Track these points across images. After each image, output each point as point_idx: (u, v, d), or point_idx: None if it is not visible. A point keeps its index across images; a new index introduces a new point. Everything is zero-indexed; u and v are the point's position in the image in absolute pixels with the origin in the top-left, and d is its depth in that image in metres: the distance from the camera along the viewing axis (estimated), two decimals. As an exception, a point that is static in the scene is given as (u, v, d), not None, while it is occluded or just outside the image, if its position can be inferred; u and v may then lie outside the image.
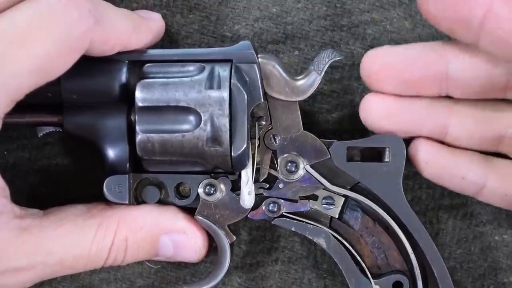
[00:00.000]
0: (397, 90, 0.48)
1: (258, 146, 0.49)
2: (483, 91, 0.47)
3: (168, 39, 0.54)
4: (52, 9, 0.43)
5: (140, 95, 0.46)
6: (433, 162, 0.49)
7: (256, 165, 0.49)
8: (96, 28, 0.44)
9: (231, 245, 0.50)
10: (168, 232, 0.48)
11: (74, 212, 0.48)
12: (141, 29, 0.48)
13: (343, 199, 0.50)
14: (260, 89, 0.48)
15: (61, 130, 0.49)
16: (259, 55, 0.48)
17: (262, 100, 0.48)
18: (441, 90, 0.48)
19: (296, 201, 0.50)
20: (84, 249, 0.46)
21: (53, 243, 0.46)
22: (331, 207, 0.50)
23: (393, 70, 0.47)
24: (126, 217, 0.48)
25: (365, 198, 0.49)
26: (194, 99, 0.46)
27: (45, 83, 0.44)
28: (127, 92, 0.47)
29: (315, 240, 0.50)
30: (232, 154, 0.46)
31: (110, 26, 0.45)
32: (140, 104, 0.46)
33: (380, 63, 0.47)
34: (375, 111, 0.48)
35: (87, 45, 0.44)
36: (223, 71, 0.47)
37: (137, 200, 0.50)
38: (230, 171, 0.48)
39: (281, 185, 0.50)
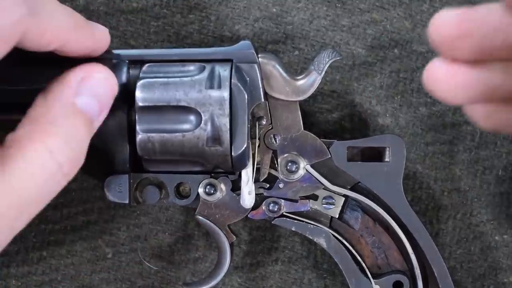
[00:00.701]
0: (472, 57, 0.42)
1: (259, 146, 0.49)
2: None
3: (168, 39, 0.54)
4: None
5: (141, 95, 0.46)
6: (492, 116, 0.43)
7: (256, 165, 0.49)
8: (30, 18, 0.41)
9: (231, 245, 0.50)
10: (75, 94, 0.43)
11: (16, 146, 0.42)
12: (83, 30, 0.46)
13: (343, 199, 0.50)
14: (261, 89, 0.48)
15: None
16: (259, 55, 0.48)
17: (263, 100, 0.48)
18: None
19: (296, 201, 0.50)
20: (37, 175, 0.41)
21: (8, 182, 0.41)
22: (331, 207, 0.50)
23: (473, 37, 0.41)
24: (36, 128, 0.42)
25: (365, 198, 0.49)
26: (194, 98, 0.46)
27: None
28: (128, 92, 0.47)
29: (315, 240, 0.50)
30: (233, 153, 0.46)
31: (47, 18, 0.43)
32: (140, 103, 0.46)
33: (458, 30, 0.41)
34: (446, 82, 0.42)
35: (19, 36, 0.41)
36: (223, 71, 0.47)
37: (137, 200, 0.50)
38: (230, 171, 0.48)
39: (281, 185, 0.50)
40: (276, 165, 0.49)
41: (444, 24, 0.41)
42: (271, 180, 0.50)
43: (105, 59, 0.48)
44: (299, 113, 0.49)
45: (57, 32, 0.44)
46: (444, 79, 0.42)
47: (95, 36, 0.47)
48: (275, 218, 0.50)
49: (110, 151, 0.48)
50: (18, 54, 0.42)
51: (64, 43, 0.45)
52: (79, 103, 0.42)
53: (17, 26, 0.41)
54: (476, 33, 0.41)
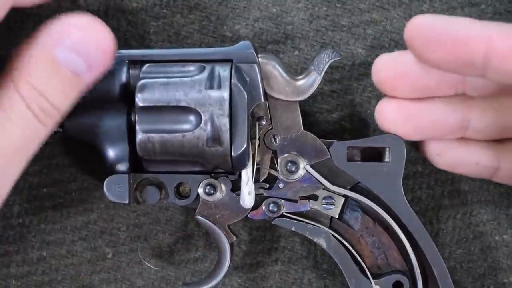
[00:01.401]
0: (413, 94, 0.47)
1: (258, 146, 0.49)
2: (501, 88, 0.47)
3: (168, 39, 0.54)
4: None
5: (141, 95, 0.46)
6: (444, 153, 0.49)
7: (256, 165, 0.49)
8: None
9: (231, 245, 0.50)
10: (56, 42, 0.41)
11: None
12: None
13: (343, 199, 0.50)
14: (260, 89, 0.48)
15: (61, 130, 0.49)
16: (259, 55, 0.48)
17: (262, 100, 0.48)
18: (457, 91, 0.47)
19: (296, 201, 0.50)
20: (11, 126, 0.41)
21: None
22: (331, 207, 0.50)
23: (408, 78, 0.46)
24: (16, 71, 0.42)
25: (365, 198, 0.49)
26: (194, 99, 0.46)
27: None
28: (127, 92, 0.47)
29: (315, 240, 0.50)
30: (232, 154, 0.47)
31: None
32: (140, 104, 0.46)
33: (393, 72, 0.46)
34: (392, 117, 0.47)
35: (9, 4, 0.42)
36: (223, 71, 0.47)
37: (137, 200, 0.50)
38: (230, 171, 0.48)
39: (281, 185, 0.50)
40: (276, 165, 0.49)
41: (382, 66, 0.47)
42: (271, 180, 0.50)
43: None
44: (299, 113, 0.49)
45: None
46: (391, 115, 0.47)
47: None
48: (275, 218, 0.50)
49: (110, 151, 0.48)
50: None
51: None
52: (59, 57, 0.41)
53: None
54: (410, 73, 0.46)
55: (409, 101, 0.47)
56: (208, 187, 0.49)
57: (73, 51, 0.41)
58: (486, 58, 0.41)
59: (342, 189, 0.49)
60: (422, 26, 0.43)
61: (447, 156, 0.49)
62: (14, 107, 0.41)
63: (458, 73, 0.45)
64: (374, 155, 0.50)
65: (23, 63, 0.41)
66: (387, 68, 0.47)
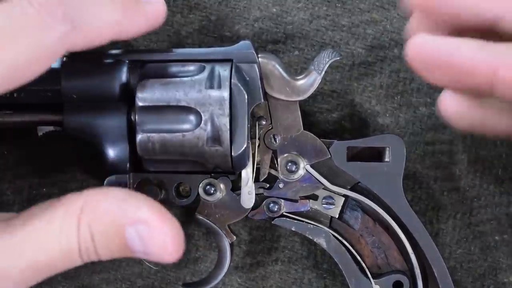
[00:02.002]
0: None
1: (258, 146, 0.49)
2: None
3: (168, 39, 0.54)
4: (24, 14, 0.40)
5: (141, 95, 0.46)
6: (464, 113, 0.45)
7: (256, 165, 0.49)
8: (74, 32, 0.42)
9: (231, 245, 0.50)
10: (133, 223, 0.43)
11: (42, 207, 0.44)
12: (134, 15, 0.45)
13: (343, 199, 0.50)
14: (260, 89, 0.48)
15: (61, 130, 0.49)
16: (259, 55, 0.48)
17: (262, 100, 0.48)
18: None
19: (296, 201, 0.50)
20: (53, 242, 0.42)
21: (22, 242, 0.42)
22: (331, 207, 0.50)
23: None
24: (89, 202, 0.43)
25: (365, 198, 0.49)
26: (194, 98, 0.46)
27: (15, 87, 0.42)
28: (128, 92, 0.47)
29: (315, 240, 0.50)
30: (232, 153, 0.47)
31: (92, 23, 0.43)
32: (140, 103, 0.46)
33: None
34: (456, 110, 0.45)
35: (64, 50, 0.42)
36: (223, 70, 0.47)
37: (137, 200, 0.50)
38: (230, 171, 0.48)
39: (281, 185, 0.50)
40: (276, 165, 0.49)
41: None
42: (271, 180, 0.50)
43: (106, 58, 0.48)
44: (299, 113, 0.49)
45: (106, 31, 0.44)
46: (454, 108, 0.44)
47: (148, 14, 0.46)
48: (275, 218, 0.50)
49: (110, 151, 0.48)
50: None
51: (115, 36, 0.44)
52: (127, 234, 0.43)
53: (59, 43, 0.41)
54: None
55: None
56: (208, 187, 0.49)
57: (141, 240, 0.43)
58: (493, 85, 0.39)
59: (342, 189, 0.49)
60: (423, 49, 0.40)
61: (467, 115, 0.45)
62: (64, 231, 0.42)
63: (466, 95, 0.43)
64: (374, 155, 0.50)
65: (93, 211, 0.42)
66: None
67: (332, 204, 0.50)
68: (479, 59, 0.39)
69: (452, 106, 0.45)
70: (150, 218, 0.43)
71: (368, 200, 0.49)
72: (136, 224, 0.42)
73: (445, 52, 0.40)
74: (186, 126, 0.46)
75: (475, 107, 0.45)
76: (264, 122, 0.49)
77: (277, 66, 0.48)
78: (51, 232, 0.42)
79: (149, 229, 0.43)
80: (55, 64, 0.47)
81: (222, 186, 0.49)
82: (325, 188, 0.50)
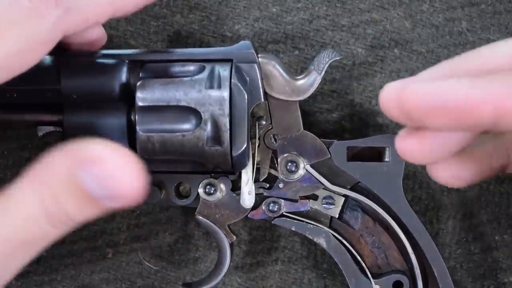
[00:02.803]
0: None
1: (258, 145, 0.49)
2: None
3: (168, 39, 0.55)
4: (15, 2, 0.39)
5: (141, 95, 0.46)
6: (459, 173, 0.44)
7: (256, 164, 0.49)
8: (68, 15, 0.41)
9: (231, 245, 0.50)
10: (83, 165, 0.38)
11: (8, 188, 0.41)
12: None
13: (343, 198, 0.50)
14: (260, 89, 0.48)
15: (61, 130, 0.49)
16: (259, 55, 0.48)
17: (262, 100, 0.48)
18: None
19: (296, 201, 0.50)
20: (20, 216, 0.39)
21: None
22: (331, 206, 0.50)
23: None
24: (46, 164, 0.40)
25: (365, 198, 0.49)
26: (194, 98, 0.46)
27: (14, 76, 0.41)
28: (128, 92, 0.47)
29: (315, 240, 0.50)
30: (232, 153, 0.46)
31: (86, 5, 0.42)
32: (140, 103, 0.46)
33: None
34: (416, 151, 0.42)
35: (60, 35, 0.41)
36: (223, 70, 0.47)
37: (137, 200, 0.50)
38: (230, 171, 0.48)
39: (281, 185, 0.50)
40: (276, 165, 0.49)
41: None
42: (271, 180, 0.50)
43: (106, 58, 0.48)
44: (299, 113, 0.49)
45: (102, 10, 0.43)
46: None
47: None
48: (275, 218, 0.50)
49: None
50: None
51: (111, 13, 0.44)
52: (82, 181, 0.38)
53: (54, 29, 0.41)
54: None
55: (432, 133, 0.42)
56: (208, 186, 0.49)
57: (98, 182, 0.38)
58: (497, 118, 0.37)
59: (342, 188, 0.49)
60: (418, 96, 0.38)
61: (462, 174, 0.45)
62: (27, 202, 0.39)
63: (463, 132, 0.41)
64: (374, 155, 0.50)
65: (46, 172, 0.39)
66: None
67: (332, 204, 0.50)
68: (479, 94, 0.37)
69: (445, 172, 0.44)
70: (101, 155, 0.38)
71: (368, 200, 0.49)
72: (88, 166, 0.38)
73: (440, 95, 0.38)
74: (186, 126, 0.46)
75: (468, 165, 0.44)
76: (264, 122, 0.49)
77: (277, 66, 0.48)
78: (17, 206, 0.39)
79: (103, 167, 0.38)
80: (55, 64, 0.48)
81: (222, 186, 0.49)
82: (325, 188, 0.50)
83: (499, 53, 0.41)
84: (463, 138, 0.42)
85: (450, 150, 0.43)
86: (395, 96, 0.39)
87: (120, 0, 0.44)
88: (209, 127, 0.46)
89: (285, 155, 0.49)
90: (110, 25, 0.55)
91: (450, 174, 0.44)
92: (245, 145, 0.47)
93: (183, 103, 0.46)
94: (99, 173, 0.38)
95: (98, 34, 0.48)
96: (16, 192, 0.40)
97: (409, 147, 0.41)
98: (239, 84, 0.46)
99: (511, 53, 0.40)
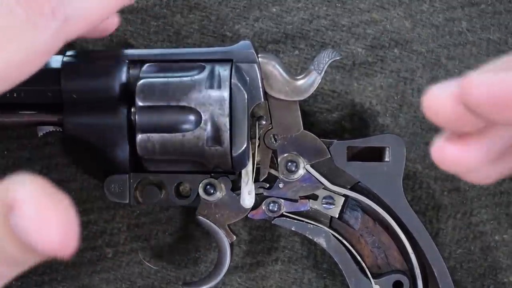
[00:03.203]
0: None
1: (258, 145, 0.49)
2: None
3: (168, 39, 0.55)
4: (11, 15, 0.38)
5: (141, 95, 0.46)
6: (492, 173, 0.43)
7: (256, 164, 0.49)
8: (67, 25, 0.40)
9: (231, 244, 0.50)
10: (11, 208, 0.33)
11: None
12: None
13: (343, 198, 0.50)
14: (260, 89, 0.48)
15: (61, 130, 0.49)
16: (259, 55, 0.48)
17: (262, 100, 0.48)
18: None
19: (296, 201, 0.50)
20: None
21: None
22: (331, 206, 0.50)
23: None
24: None
25: (365, 198, 0.49)
26: (194, 98, 0.46)
27: (13, 86, 0.40)
28: (127, 92, 0.47)
29: (315, 239, 0.50)
30: (233, 153, 0.47)
31: (84, 10, 0.42)
32: (140, 103, 0.46)
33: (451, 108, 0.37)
34: (457, 160, 0.39)
35: (60, 44, 0.41)
36: (223, 70, 0.47)
37: (137, 200, 0.50)
38: (230, 171, 0.48)
39: (281, 185, 0.50)
40: (276, 165, 0.49)
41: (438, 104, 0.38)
42: (271, 180, 0.50)
43: (106, 58, 0.48)
44: (299, 113, 0.49)
45: (100, 11, 0.43)
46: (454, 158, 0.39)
47: None
48: (275, 218, 0.50)
49: (110, 151, 0.48)
50: None
51: (113, 10, 0.44)
52: (12, 221, 0.33)
53: (53, 39, 0.40)
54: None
55: (474, 138, 0.39)
56: (208, 186, 0.49)
57: (21, 226, 0.33)
58: None
59: (342, 188, 0.49)
60: (489, 87, 0.36)
61: (494, 173, 0.43)
62: None
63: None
64: (374, 155, 0.50)
65: None
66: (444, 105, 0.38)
67: (332, 204, 0.50)
68: None
69: (479, 173, 0.42)
70: (21, 199, 0.33)
71: (368, 200, 0.49)
72: (13, 210, 0.33)
73: (503, 85, 0.35)
74: (186, 126, 0.46)
75: (499, 163, 0.42)
76: (264, 122, 0.49)
77: (277, 66, 0.48)
78: None
79: (20, 213, 0.33)
80: (55, 64, 0.48)
81: (222, 186, 0.49)
82: (325, 188, 0.50)
83: None
84: (507, 142, 0.41)
85: (493, 156, 0.41)
86: (455, 92, 0.36)
87: (115, 2, 0.44)
88: (209, 127, 0.46)
89: (285, 155, 0.49)
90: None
91: (485, 174, 0.43)
92: (245, 145, 0.47)
93: (183, 103, 0.46)
94: (18, 219, 0.33)
95: (107, 21, 0.47)
96: None
97: (450, 155, 0.39)
98: (239, 84, 0.46)
99: None
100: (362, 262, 0.50)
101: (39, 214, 0.32)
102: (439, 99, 0.37)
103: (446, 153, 0.39)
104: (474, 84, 0.36)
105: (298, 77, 0.49)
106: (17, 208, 0.32)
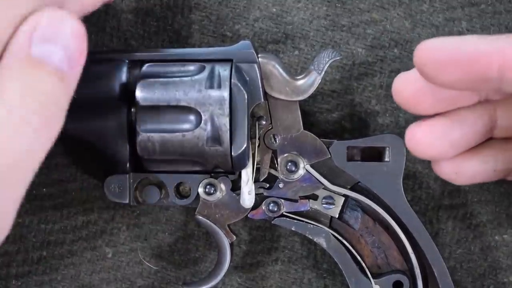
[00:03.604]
0: (437, 109, 0.46)
1: (258, 145, 0.49)
2: None
3: (168, 39, 0.55)
4: None
5: (141, 95, 0.46)
6: (462, 170, 0.48)
7: (256, 164, 0.49)
8: (65, 3, 0.41)
9: (231, 244, 0.50)
10: (31, 37, 0.38)
11: None
12: None
13: (343, 198, 0.50)
14: (260, 89, 0.48)
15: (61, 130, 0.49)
16: (259, 55, 0.48)
17: (262, 100, 0.48)
18: (481, 98, 0.46)
19: (296, 201, 0.50)
20: None
21: None
22: (331, 206, 0.50)
23: (430, 93, 0.45)
24: None
25: (365, 198, 0.49)
26: (194, 98, 0.46)
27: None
28: (128, 92, 0.47)
29: (315, 239, 0.50)
30: (232, 153, 0.47)
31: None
32: (140, 103, 0.46)
33: (414, 89, 0.45)
34: (426, 140, 0.46)
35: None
36: (223, 70, 0.47)
37: (137, 200, 0.50)
38: (230, 171, 0.48)
39: (281, 185, 0.50)
40: (276, 165, 0.49)
41: (402, 86, 0.46)
42: (271, 180, 0.50)
43: (106, 58, 0.48)
44: (299, 113, 0.49)
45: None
46: (424, 138, 0.46)
47: None
48: (275, 218, 0.50)
49: (110, 151, 0.48)
50: None
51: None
52: (34, 52, 0.38)
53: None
54: (431, 88, 0.45)
55: (439, 120, 0.46)
56: (208, 186, 0.49)
57: (45, 40, 0.38)
58: (501, 72, 0.40)
59: (342, 188, 0.49)
60: (432, 50, 0.42)
61: (465, 171, 0.48)
62: (1, 119, 0.38)
63: (472, 90, 0.45)
64: (374, 155, 0.50)
65: (3, 70, 0.38)
66: (407, 86, 0.46)
67: (332, 204, 0.50)
68: (486, 45, 0.41)
69: (449, 168, 0.48)
70: (37, 21, 0.38)
71: (368, 200, 0.49)
72: (31, 37, 0.38)
73: (453, 47, 0.42)
74: (186, 126, 0.46)
75: (473, 164, 0.48)
76: (264, 122, 0.49)
77: (277, 66, 0.48)
78: None
79: (42, 28, 0.38)
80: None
81: (222, 186, 0.49)
82: (325, 188, 0.50)
83: None
84: (472, 133, 0.46)
85: (458, 144, 0.45)
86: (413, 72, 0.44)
87: None
88: (209, 127, 0.46)
89: (285, 155, 0.49)
90: (111, 25, 0.55)
91: (453, 170, 0.47)
92: (245, 145, 0.47)
93: (183, 103, 0.46)
94: (44, 33, 0.38)
95: None
96: None
97: (419, 138, 0.45)
98: (239, 84, 0.46)
99: None
100: (362, 262, 0.50)
101: (53, 21, 0.38)
102: (403, 80, 0.45)
103: (416, 137, 0.46)
104: (422, 47, 0.42)
105: (298, 77, 0.49)
106: (37, 31, 0.38)
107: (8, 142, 0.38)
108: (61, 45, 0.39)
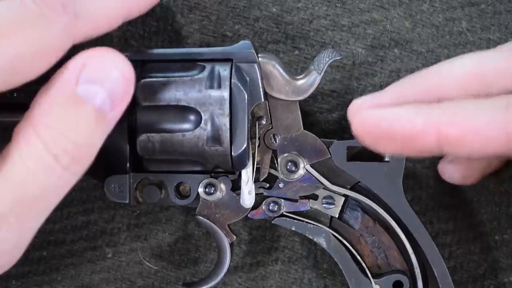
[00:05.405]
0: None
1: (258, 145, 0.49)
2: None
3: (168, 39, 0.55)
4: (23, 7, 0.39)
5: (141, 95, 0.46)
6: (468, 172, 0.49)
7: (256, 164, 0.49)
8: (77, 22, 0.41)
9: (231, 244, 0.50)
10: (78, 76, 0.39)
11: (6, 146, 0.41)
12: None
13: (343, 198, 0.50)
14: (261, 89, 0.48)
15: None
16: (259, 55, 0.48)
17: (263, 100, 0.48)
18: None
19: (296, 201, 0.50)
20: (26, 167, 0.39)
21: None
22: (331, 206, 0.50)
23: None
24: (34, 109, 0.40)
25: (365, 198, 0.49)
26: (194, 98, 0.46)
27: (22, 83, 0.40)
28: (128, 92, 0.47)
29: (315, 239, 0.50)
30: (233, 153, 0.47)
31: (96, 9, 0.42)
32: (140, 103, 0.46)
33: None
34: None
35: (69, 42, 0.41)
36: (223, 70, 0.47)
37: (137, 200, 0.50)
38: (230, 171, 0.48)
39: (281, 185, 0.50)
40: (276, 165, 0.49)
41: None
42: (271, 180, 0.50)
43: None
44: (299, 113, 0.49)
45: (112, 15, 0.43)
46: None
47: None
48: (275, 217, 0.50)
49: (110, 151, 0.48)
50: None
51: (125, 16, 0.44)
52: (80, 91, 0.39)
53: (63, 36, 0.40)
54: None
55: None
56: (208, 186, 0.49)
57: (93, 81, 0.39)
58: (439, 145, 0.39)
59: (342, 188, 0.49)
60: (368, 123, 0.41)
61: (472, 174, 0.50)
62: (32, 151, 0.39)
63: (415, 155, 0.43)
64: (374, 155, 0.49)
65: (44, 104, 0.39)
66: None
67: (332, 204, 0.50)
68: (421, 122, 0.39)
69: (456, 173, 0.50)
70: (87, 59, 0.40)
71: (368, 200, 0.49)
72: (78, 76, 0.39)
73: (387, 123, 0.40)
74: (186, 125, 0.46)
75: (476, 165, 0.50)
76: (264, 122, 0.49)
77: (277, 66, 0.48)
78: (18, 162, 0.39)
79: (92, 68, 0.40)
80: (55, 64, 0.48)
81: (222, 186, 0.49)
82: (325, 188, 0.50)
83: (456, 69, 0.42)
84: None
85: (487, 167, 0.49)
86: (352, 119, 0.42)
87: (133, 2, 0.44)
88: (209, 127, 0.46)
89: (285, 155, 0.49)
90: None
91: (461, 174, 0.49)
92: (245, 145, 0.47)
93: (183, 103, 0.46)
94: (92, 74, 0.39)
95: None
96: (22, 146, 0.39)
97: (449, 171, 0.50)
98: (239, 84, 0.46)
99: (467, 70, 0.41)
100: (362, 262, 0.50)
101: (103, 62, 0.39)
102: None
103: (447, 169, 0.50)
104: (359, 119, 0.41)
105: (298, 77, 0.49)
106: (84, 71, 0.39)
107: (36, 175, 0.39)
108: (107, 87, 0.40)
